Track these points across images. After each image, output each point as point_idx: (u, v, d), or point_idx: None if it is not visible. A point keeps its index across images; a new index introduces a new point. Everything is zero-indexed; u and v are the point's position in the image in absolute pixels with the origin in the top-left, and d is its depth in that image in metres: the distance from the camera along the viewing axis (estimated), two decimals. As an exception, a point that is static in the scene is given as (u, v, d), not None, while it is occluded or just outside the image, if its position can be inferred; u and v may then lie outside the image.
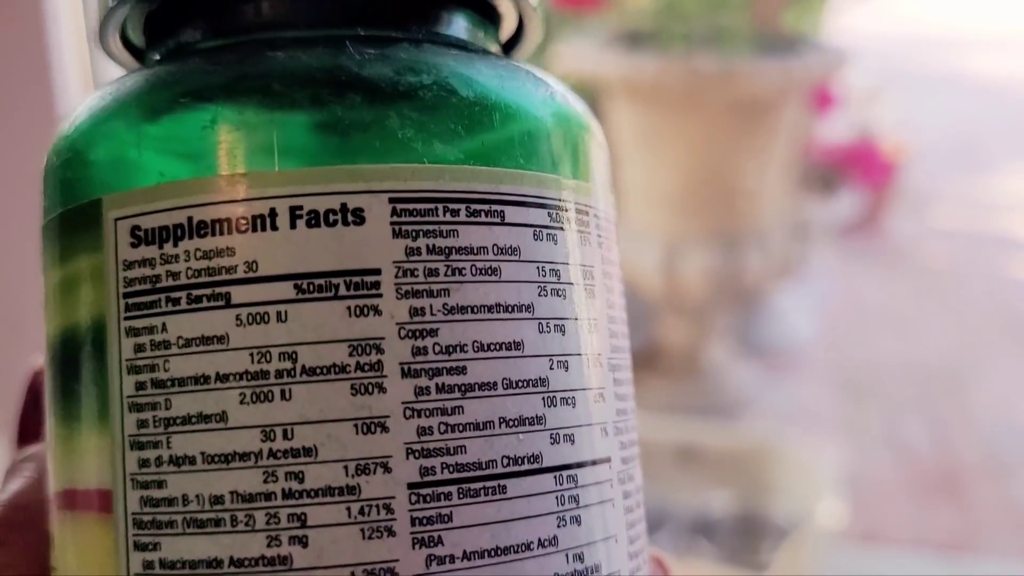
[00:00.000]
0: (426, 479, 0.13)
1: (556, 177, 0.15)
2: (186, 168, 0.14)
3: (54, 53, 0.49)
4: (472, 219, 0.14)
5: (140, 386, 0.13)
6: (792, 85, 1.10)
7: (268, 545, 0.13)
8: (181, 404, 0.13)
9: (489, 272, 0.14)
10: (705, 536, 0.87)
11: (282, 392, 0.13)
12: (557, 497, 0.14)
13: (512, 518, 0.13)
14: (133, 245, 0.14)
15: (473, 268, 0.14)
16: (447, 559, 0.13)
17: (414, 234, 0.13)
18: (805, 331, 1.48)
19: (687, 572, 0.77)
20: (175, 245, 0.13)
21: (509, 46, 0.18)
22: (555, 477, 0.14)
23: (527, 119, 0.15)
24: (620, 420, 0.15)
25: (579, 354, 0.14)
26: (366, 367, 0.13)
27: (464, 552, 0.13)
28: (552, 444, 0.14)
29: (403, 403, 0.13)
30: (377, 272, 0.13)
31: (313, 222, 0.13)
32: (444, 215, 0.13)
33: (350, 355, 0.13)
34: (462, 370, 0.13)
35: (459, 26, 0.16)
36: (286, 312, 0.13)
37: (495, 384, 0.13)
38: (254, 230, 0.13)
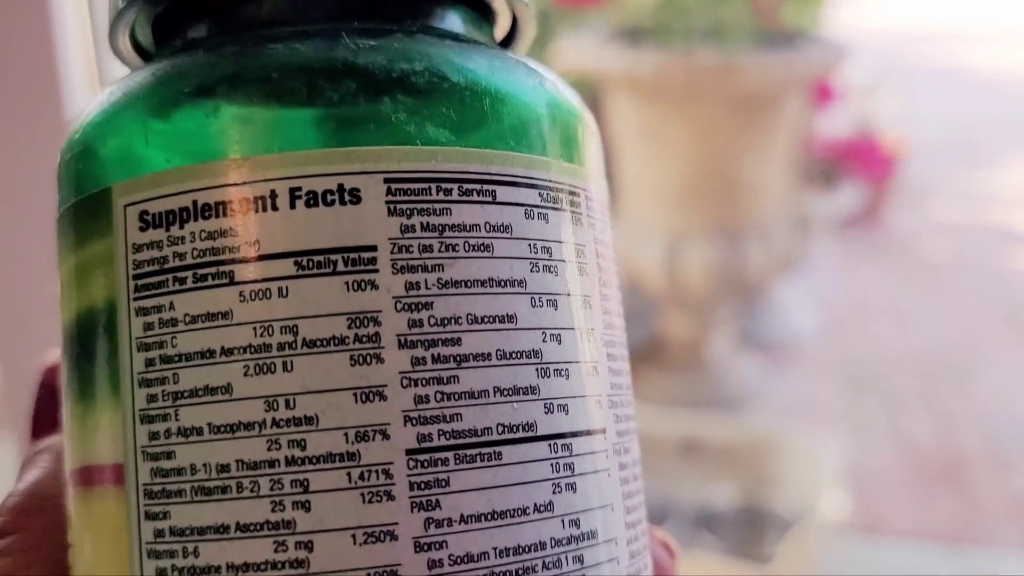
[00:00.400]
0: (424, 445, 0.13)
1: (546, 159, 0.15)
2: (191, 155, 0.14)
3: (61, 55, 0.49)
4: (464, 198, 0.14)
5: (150, 362, 0.14)
6: (792, 80, 1.10)
7: (272, 510, 0.13)
8: (188, 378, 0.14)
9: (482, 248, 0.14)
10: (709, 529, 0.87)
11: (284, 364, 0.13)
12: (552, 464, 0.14)
13: (508, 483, 0.14)
14: (142, 229, 0.14)
15: (466, 244, 0.14)
16: (445, 522, 0.13)
17: (408, 212, 0.14)
18: (807, 324, 1.48)
19: (691, 564, 0.77)
20: (181, 227, 0.14)
21: (506, 44, 0.19)
22: (550, 445, 0.14)
23: (517, 104, 0.15)
24: (615, 394, 0.16)
25: (572, 328, 0.15)
26: (364, 339, 0.13)
27: (462, 516, 0.13)
28: (546, 413, 0.14)
29: (400, 372, 0.13)
30: (373, 248, 0.14)
31: (312, 202, 0.14)
32: (437, 194, 0.14)
33: (349, 328, 0.13)
34: (457, 341, 0.14)
35: (453, 20, 0.17)
36: (287, 288, 0.13)
37: (489, 355, 0.14)
38: (256, 211, 0.14)
